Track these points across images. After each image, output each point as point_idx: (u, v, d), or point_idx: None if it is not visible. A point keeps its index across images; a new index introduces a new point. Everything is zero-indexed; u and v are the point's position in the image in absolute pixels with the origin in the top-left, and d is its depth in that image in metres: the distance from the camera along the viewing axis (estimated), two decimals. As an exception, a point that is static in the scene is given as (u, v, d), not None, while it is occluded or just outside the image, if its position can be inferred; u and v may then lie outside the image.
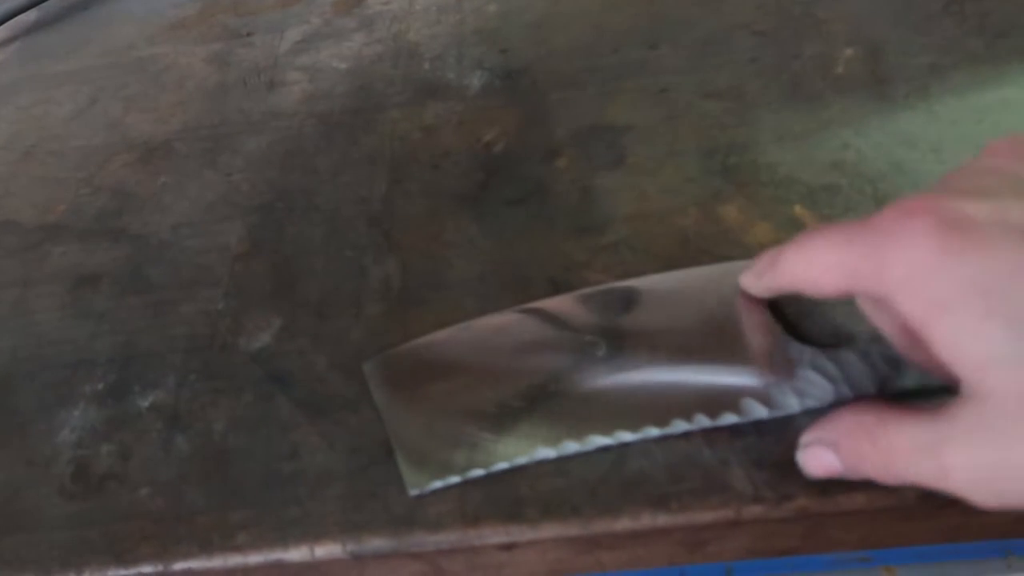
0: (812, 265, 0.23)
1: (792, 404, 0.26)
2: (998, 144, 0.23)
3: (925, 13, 0.39)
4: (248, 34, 0.47)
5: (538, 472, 0.27)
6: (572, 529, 0.26)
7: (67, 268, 0.37)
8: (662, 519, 0.26)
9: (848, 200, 0.32)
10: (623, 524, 0.26)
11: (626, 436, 0.27)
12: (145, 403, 0.32)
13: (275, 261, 0.35)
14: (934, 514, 0.26)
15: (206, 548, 0.28)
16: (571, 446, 0.27)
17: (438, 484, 0.27)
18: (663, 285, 0.30)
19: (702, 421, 0.27)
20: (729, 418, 0.27)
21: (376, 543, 0.27)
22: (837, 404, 0.26)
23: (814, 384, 0.26)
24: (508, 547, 0.27)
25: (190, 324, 0.34)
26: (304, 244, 0.36)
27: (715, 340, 0.28)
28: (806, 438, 0.25)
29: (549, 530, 0.26)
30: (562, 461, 0.27)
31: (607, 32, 0.42)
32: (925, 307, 0.20)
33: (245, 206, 0.38)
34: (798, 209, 0.32)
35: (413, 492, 0.27)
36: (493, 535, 0.26)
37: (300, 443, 0.29)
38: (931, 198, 0.21)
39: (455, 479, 0.27)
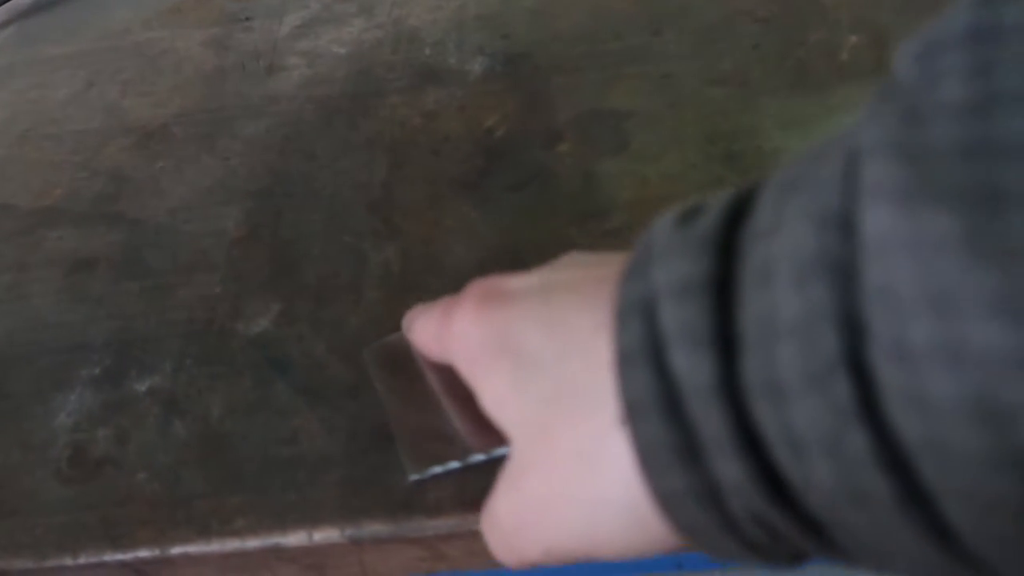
0: (422, 332, 0.26)
1: None
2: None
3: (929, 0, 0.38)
4: (247, 18, 0.46)
5: (539, 458, 0.27)
6: (573, 515, 0.26)
7: (64, 252, 0.37)
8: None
9: (852, 187, 0.32)
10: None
11: None
12: (142, 387, 0.31)
13: (273, 246, 0.35)
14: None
15: (204, 533, 0.27)
16: None
17: (438, 469, 0.27)
18: None
19: None
20: None
21: (375, 528, 0.27)
22: None
23: None
24: (508, 533, 0.27)
25: (188, 309, 0.33)
26: (303, 229, 0.36)
27: None
28: None
29: (550, 516, 0.26)
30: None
31: (609, 17, 0.42)
32: (467, 368, 0.22)
33: (243, 191, 0.38)
34: (802, 195, 0.32)
35: (413, 477, 0.27)
36: (493, 521, 0.26)
37: (299, 428, 0.29)
38: (488, 278, 0.23)
39: (455, 464, 0.27)
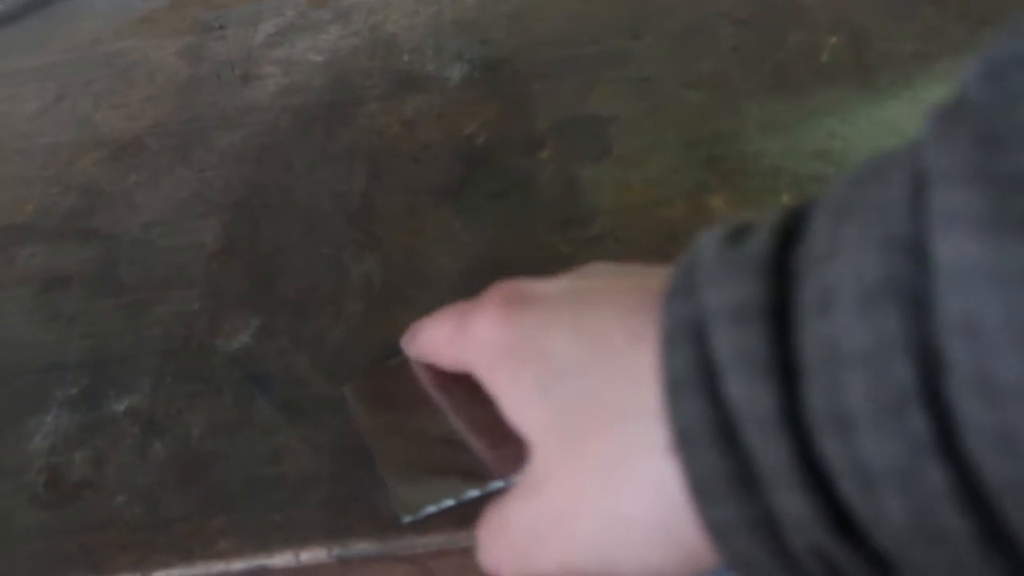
0: (433, 340, 0.25)
1: None
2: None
3: (908, 0, 0.39)
4: (220, 27, 0.46)
5: (527, 471, 0.27)
6: (563, 528, 0.26)
7: (36, 270, 0.36)
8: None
9: (835, 189, 0.32)
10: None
11: None
12: (120, 408, 0.31)
13: (252, 259, 0.35)
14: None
15: (186, 557, 0.27)
16: None
17: (432, 509, 0.26)
18: None
19: None
20: None
21: (363, 547, 0.26)
22: None
23: None
24: (498, 548, 0.26)
25: (165, 325, 0.33)
26: (281, 242, 0.35)
27: None
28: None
29: (539, 530, 0.26)
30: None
31: (587, 21, 0.42)
32: (488, 371, 0.22)
33: (219, 203, 0.37)
34: (785, 199, 0.32)
35: (406, 519, 0.26)
36: (482, 536, 0.26)
37: (281, 446, 0.29)
38: (510, 282, 0.22)
39: (449, 502, 0.26)
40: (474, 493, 0.26)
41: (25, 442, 0.30)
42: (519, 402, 0.21)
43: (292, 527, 0.27)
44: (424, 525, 0.26)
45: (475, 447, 0.26)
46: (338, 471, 0.28)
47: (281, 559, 0.27)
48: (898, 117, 0.34)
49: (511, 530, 0.21)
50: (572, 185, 0.35)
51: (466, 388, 0.25)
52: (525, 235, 0.33)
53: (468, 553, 0.26)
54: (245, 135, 0.40)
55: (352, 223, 0.35)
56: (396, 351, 0.30)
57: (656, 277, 0.19)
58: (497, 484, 0.26)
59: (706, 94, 0.37)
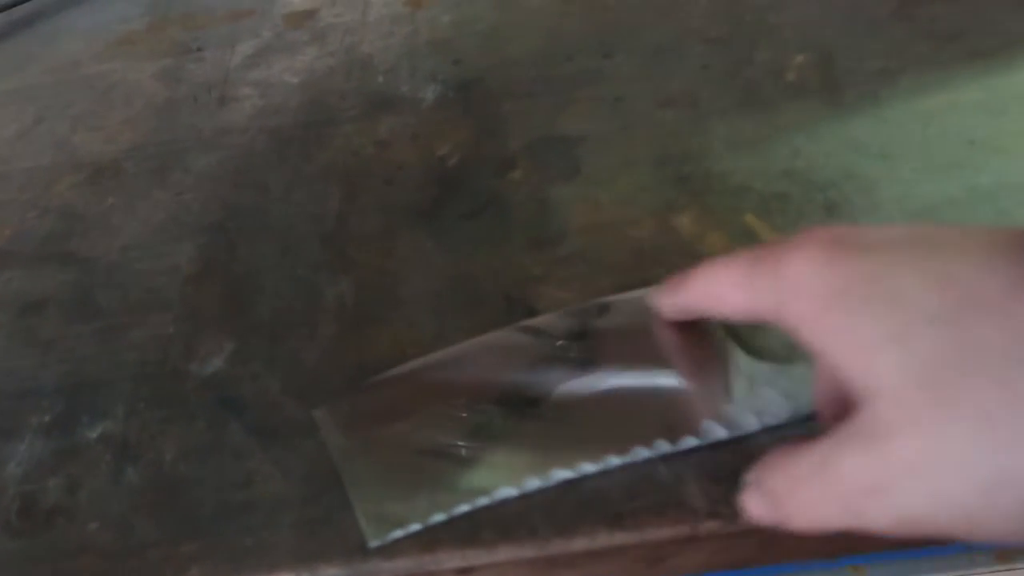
0: (718, 282, 0.24)
1: (751, 423, 0.26)
2: None
3: (875, 18, 0.39)
4: (198, 49, 0.46)
5: (494, 493, 0.27)
6: (529, 551, 0.26)
7: (12, 295, 0.36)
8: (619, 537, 0.26)
9: (799, 208, 0.32)
10: (580, 543, 0.26)
11: (588, 467, 0.27)
12: (94, 434, 0.31)
13: (227, 282, 0.35)
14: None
15: (158, 582, 0.27)
16: (533, 482, 0.27)
17: (399, 533, 0.26)
18: (636, 296, 0.30)
19: (662, 447, 0.27)
20: (689, 442, 0.27)
21: (331, 572, 0.26)
22: (794, 420, 0.26)
23: (770, 401, 0.26)
24: (466, 571, 0.26)
25: (140, 350, 0.33)
26: (256, 264, 0.35)
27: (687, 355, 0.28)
28: (746, 478, 0.24)
29: (506, 552, 0.26)
30: (519, 481, 0.27)
31: (560, 41, 0.42)
32: (812, 314, 0.21)
33: (196, 226, 0.37)
34: (749, 218, 0.32)
35: (373, 544, 0.26)
36: (450, 560, 0.26)
37: (253, 471, 0.29)
38: (826, 227, 0.22)
39: (416, 527, 0.26)
40: (440, 517, 0.26)
41: None
42: (863, 347, 0.20)
43: (263, 552, 0.27)
44: (391, 550, 0.26)
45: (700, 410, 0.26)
46: (309, 495, 0.28)
47: (252, 583, 0.27)
48: (862, 134, 0.34)
49: (841, 481, 0.20)
50: (543, 205, 0.35)
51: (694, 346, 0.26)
52: (497, 255, 0.34)
53: (436, 576, 0.27)
54: (222, 157, 0.40)
55: (326, 245, 0.35)
56: (369, 372, 0.31)
57: (992, 233, 0.19)
58: (463, 508, 0.26)
59: (676, 113, 0.37)
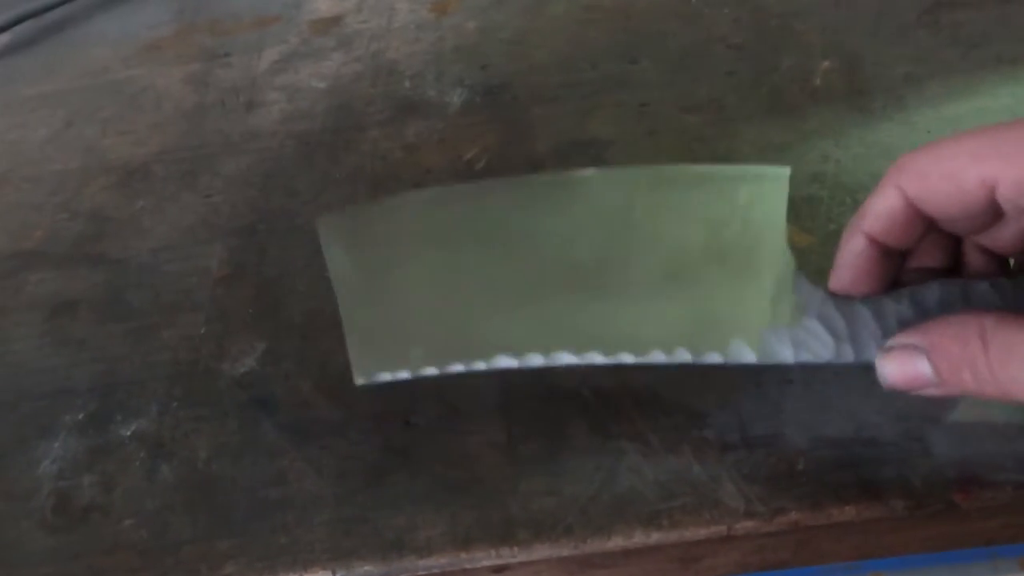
0: (957, 154, 0.21)
1: (786, 354, 0.24)
2: None
3: (900, 24, 0.39)
4: (225, 54, 0.46)
5: (529, 492, 0.27)
6: (564, 549, 0.26)
7: (45, 296, 0.36)
8: (654, 536, 0.26)
9: (829, 212, 0.33)
10: (615, 543, 0.26)
11: (597, 358, 0.25)
12: (127, 432, 0.31)
13: (257, 284, 0.35)
14: (923, 524, 0.26)
15: (193, 579, 0.27)
16: (535, 358, 0.25)
17: (386, 376, 0.25)
18: (667, 177, 0.26)
19: (683, 355, 0.24)
20: (713, 357, 0.24)
21: (366, 569, 0.27)
22: (832, 364, 0.24)
23: (815, 336, 0.24)
24: (500, 569, 0.27)
25: (172, 350, 0.33)
26: (286, 266, 0.36)
27: (717, 256, 0.25)
28: (891, 342, 0.23)
29: (541, 551, 0.26)
30: (552, 479, 0.27)
31: (586, 47, 0.42)
32: None
33: (226, 228, 0.38)
34: (780, 221, 0.33)
35: (359, 380, 0.25)
36: (485, 558, 0.26)
37: (287, 469, 0.29)
38: None
39: (405, 374, 0.25)
40: (431, 371, 0.25)
41: (34, 467, 0.31)
42: None
43: (297, 549, 0.27)
44: (425, 548, 0.26)
45: None
46: (343, 493, 0.28)
47: (286, 581, 0.27)
48: (891, 139, 0.35)
49: None
50: (571, 208, 0.35)
51: None
52: (525, 258, 0.34)
53: (470, 574, 0.27)
54: (250, 161, 0.40)
55: (355, 247, 0.36)
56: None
57: None
58: (457, 367, 0.25)
59: (702, 118, 0.38)
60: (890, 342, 0.23)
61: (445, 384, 0.30)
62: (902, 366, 0.22)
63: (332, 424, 0.30)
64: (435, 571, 0.26)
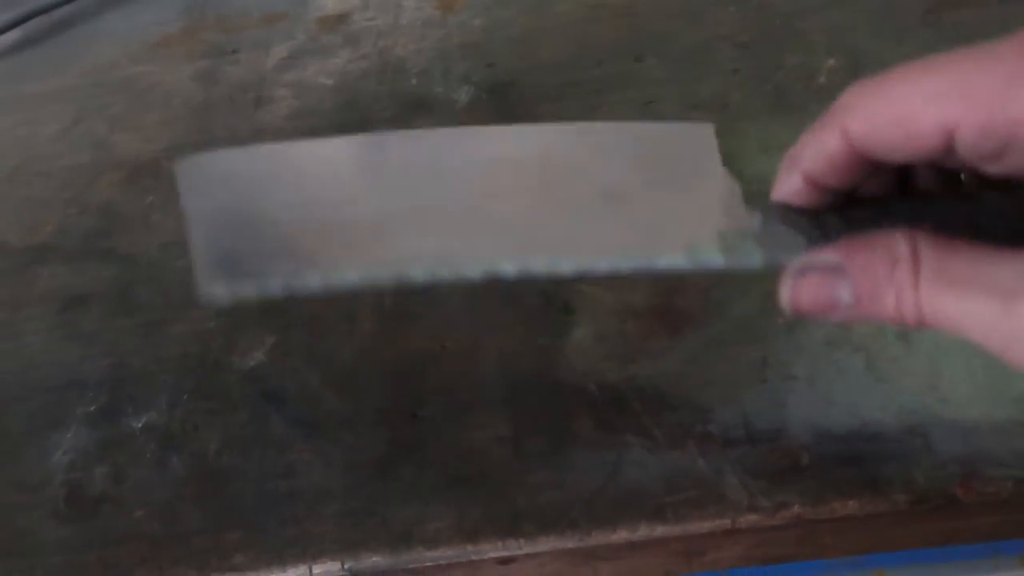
0: (911, 94, 0.18)
1: (754, 257, 0.22)
2: None
3: (903, 23, 0.40)
4: (233, 51, 0.47)
5: (535, 485, 0.27)
6: (569, 542, 0.26)
7: (56, 290, 0.37)
8: (659, 530, 0.26)
9: (833, 209, 0.33)
10: (620, 536, 0.26)
11: (537, 264, 0.22)
12: (138, 424, 0.31)
13: (266, 279, 0.35)
14: (925, 519, 0.27)
15: (203, 570, 0.28)
16: (450, 266, 0.23)
17: (233, 289, 0.24)
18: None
19: (637, 261, 0.22)
20: (675, 260, 0.22)
21: (374, 560, 0.27)
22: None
23: (782, 238, 0.22)
24: (506, 561, 0.27)
25: (182, 344, 0.34)
26: (295, 261, 0.36)
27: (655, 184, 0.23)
28: (805, 261, 0.20)
29: (547, 543, 0.26)
30: (558, 473, 0.28)
31: (591, 45, 0.43)
32: None
33: (234, 224, 0.38)
34: (785, 219, 0.33)
35: (203, 292, 0.24)
36: (491, 550, 0.27)
37: (295, 461, 0.29)
38: None
39: (251, 291, 0.24)
40: (276, 286, 0.24)
41: (46, 458, 0.31)
42: None
43: (306, 541, 0.28)
44: (432, 540, 0.27)
45: None
46: (351, 485, 0.29)
47: (295, 572, 0.27)
48: (895, 138, 0.35)
49: None
50: (577, 205, 0.36)
51: None
52: (531, 254, 0.34)
53: (476, 566, 0.27)
54: (258, 157, 0.41)
55: (363, 243, 0.36)
56: (407, 367, 0.31)
57: None
58: (313, 283, 0.23)
59: (707, 116, 0.38)
60: (803, 260, 0.21)
61: (452, 378, 0.31)
62: (814, 290, 0.20)
63: (340, 417, 0.30)
64: (442, 563, 0.27)
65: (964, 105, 0.18)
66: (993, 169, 0.19)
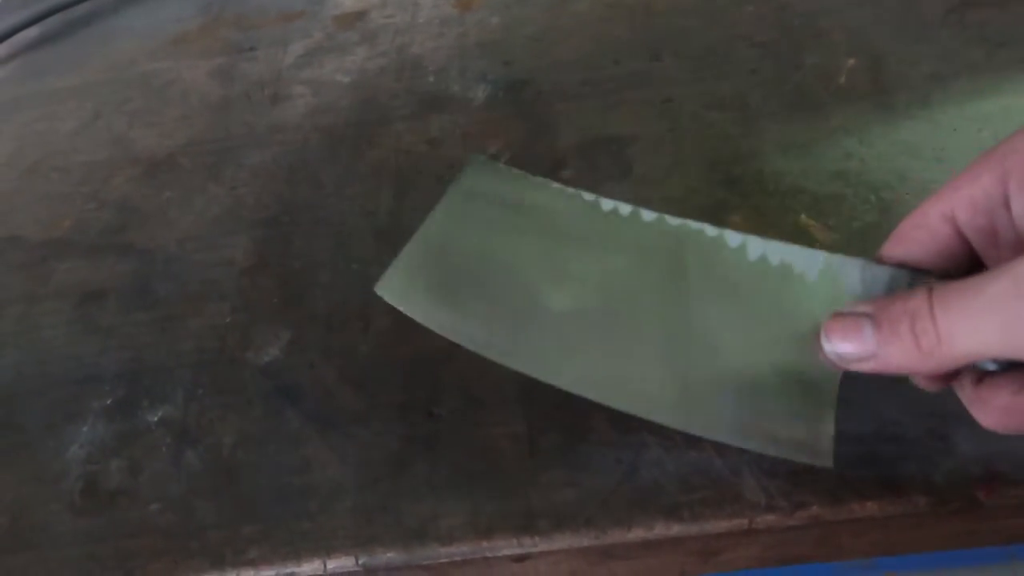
0: (924, 203, 0.23)
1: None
2: None
3: (925, 23, 0.39)
4: (251, 48, 0.47)
5: (549, 483, 0.27)
6: (585, 540, 0.26)
7: (73, 284, 0.37)
8: (675, 529, 0.26)
9: (853, 208, 0.33)
10: (636, 534, 0.26)
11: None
12: (154, 418, 0.32)
13: (282, 275, 0.36)
14: (944, 520, 0.26)
15: (218, 563, 0.28)
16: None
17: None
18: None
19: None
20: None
21: (388, 556, 0.27)
22: None
23: None
24: (521, 559, 0.27)
25: (198, 339, 0.34)
26: (311, 257, 0.36)
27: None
28: (842, 309, 0.24)
29: (562, 541, 0.26)
30: (573, 471, 0.27)
31: (608, 43, 0.42)
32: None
33: (251, 220, 0.38)
34: (803, 218, 0.33)
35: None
36: (506, 547, 0.26)
37: (310, 457, 0.29)
38: None
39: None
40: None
41: (63, 451, 0.31)
42: None
43: (320, 536, 0.28)
44: (447, 536, 0.27)
45: None
46: (365, 481, 0.29)
47: (309, 567, 0.27)
48: (915, 137, 0.35)
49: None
50: (594, 204, 0.35)
51: None
52: (547, 252, 0.34)
53: (491, 563, 0.27)
54: (275, 154, 0.41)
55: (379, 240, 0.36)
56: (421, 363, 0.31)
57: None
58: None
59: (726, 115, 0.38)
60: (842, 309, 0.24)
61: (467, 375, 0.30)
62: (843, 322, 0.23)
63: (355, 413, 0.30)
64: (457, 559, 0.27)
65: (950, 191, 0.24)
66: None
